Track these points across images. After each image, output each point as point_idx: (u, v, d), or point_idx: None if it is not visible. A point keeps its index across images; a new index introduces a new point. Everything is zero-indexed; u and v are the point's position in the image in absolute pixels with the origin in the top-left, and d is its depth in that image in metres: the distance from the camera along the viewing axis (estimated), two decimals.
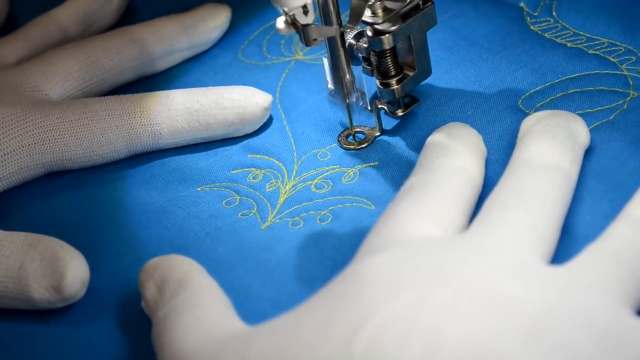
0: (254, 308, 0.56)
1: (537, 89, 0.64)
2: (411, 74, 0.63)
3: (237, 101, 0.66)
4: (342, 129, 0.65)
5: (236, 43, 0.74)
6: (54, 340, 0.58)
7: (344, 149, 0.64)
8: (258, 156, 0.66)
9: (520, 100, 0.64)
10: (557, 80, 0.64)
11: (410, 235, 0.53)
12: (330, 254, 0.58)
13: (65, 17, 0.73)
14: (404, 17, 0.61)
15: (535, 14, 0.69)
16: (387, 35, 0.60)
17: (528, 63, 0.66)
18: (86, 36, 0.73)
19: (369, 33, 0.61)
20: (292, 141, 0.66)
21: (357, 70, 0.63)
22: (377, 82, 0.63)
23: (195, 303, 0.53)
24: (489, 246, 0.51)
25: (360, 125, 0.65)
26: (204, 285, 0.55)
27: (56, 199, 0.66)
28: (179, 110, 0.66)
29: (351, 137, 0.65)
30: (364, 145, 0.64)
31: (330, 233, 0.59)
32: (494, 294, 0.48)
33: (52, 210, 0.65)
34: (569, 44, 0.67)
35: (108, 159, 0.66)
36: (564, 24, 0.68)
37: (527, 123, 0.59)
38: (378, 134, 0.64)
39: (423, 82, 0.64)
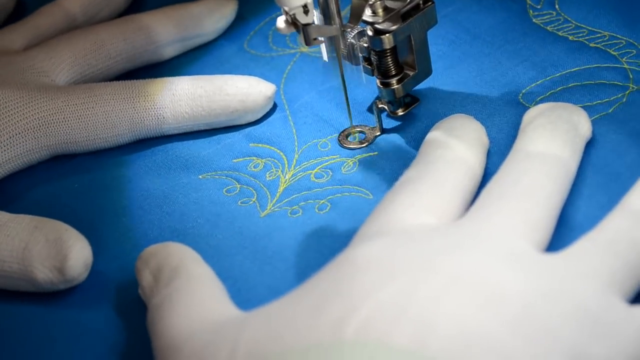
0: (252, 295, 0.56)
1: (538, 83, 0.64)
2: (411, 73, 0.63)
3: (241, 88, 0.66)
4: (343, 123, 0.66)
5: (242, 34, 0.74)
6: (54, 321, 0.58)
7: (345, 148, 0.65)
8: (260, 145, 0.66)
9: (520, 95, 0.64)
10: (557, 74, 0.64)
11: (406, 225, 0.53)
12: (328, 242, 0.58)
13: (72, 6, 0.73)
14: (405, 16, 0.61)
15: (538, 6, 0.69)
16: (387, 34, 0.60)
17: (529, 57, 0.66)
18: (93, 24, 0.74)
19: (370, 32, 0.61)
20: (294, 131, 0.66)
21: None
22: (378, 81, 0.63)
23: (189, 290, 0.54)
24: (483, 234, 0.51)
25: (361, 125, 0.65)
26: (198, 272, 0.55)
27: (61, 183, 0.66)
28: (182, 95, 0.66)
29: (352, 136, 0.65)
30: (364, 145, 0.64)
31: (329, 222, 0.59)
32: (485, 281, 0.48)
33: (57, 195, 0.65)
34: (570, 37, 0.67)
35: (112, 143, 0.67)
36: (566, 17, 0.68)
37: (530, 115, 0.59)
38: (378, 133, 0.65)
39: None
